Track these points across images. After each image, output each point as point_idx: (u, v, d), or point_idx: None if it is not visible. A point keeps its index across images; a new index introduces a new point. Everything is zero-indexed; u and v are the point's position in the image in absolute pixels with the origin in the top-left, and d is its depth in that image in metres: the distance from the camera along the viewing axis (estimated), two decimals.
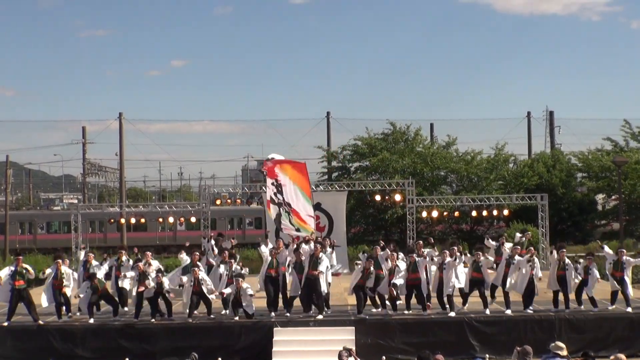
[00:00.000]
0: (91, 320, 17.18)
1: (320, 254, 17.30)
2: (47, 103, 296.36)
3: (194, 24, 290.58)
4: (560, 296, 17.66)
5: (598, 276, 17.82)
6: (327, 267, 17.82)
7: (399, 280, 17.23)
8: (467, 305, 17.71)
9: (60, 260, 17.77)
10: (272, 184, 18.32)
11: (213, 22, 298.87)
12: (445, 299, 17.29)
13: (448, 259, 17.30)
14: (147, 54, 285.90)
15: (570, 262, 17.62)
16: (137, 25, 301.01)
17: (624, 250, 17.94)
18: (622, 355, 10.57)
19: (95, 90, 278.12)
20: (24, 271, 17.29)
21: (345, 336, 16.29)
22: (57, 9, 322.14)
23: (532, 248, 18.44)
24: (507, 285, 17.44)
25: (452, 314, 17.13)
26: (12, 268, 17.35)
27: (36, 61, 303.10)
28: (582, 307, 17.52)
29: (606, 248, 18.48)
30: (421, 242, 20.48)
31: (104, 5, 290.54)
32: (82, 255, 18.25)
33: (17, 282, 17.13)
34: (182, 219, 34.12)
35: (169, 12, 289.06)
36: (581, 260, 17.95)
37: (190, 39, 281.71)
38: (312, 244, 17.89)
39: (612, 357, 10.60)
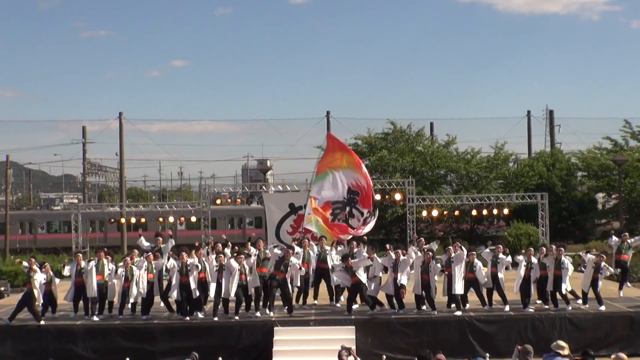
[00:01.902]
0: (95, 318, 17.34)
1: (292, 258, 17.41)
2: (48, 103, 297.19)
3: (195, 24, 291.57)
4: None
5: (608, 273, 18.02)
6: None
7: (404, 279, 17.35)
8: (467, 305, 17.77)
9: (80, 255, 18.18)
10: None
11: (213, 22, 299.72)
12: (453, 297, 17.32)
13: (454, 254, 17.38)
14: (148, 54, 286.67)
15: (567, 261, 17.57)
16: (138, 26, 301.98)
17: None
18: (623, 355, 10.53)
19: (96, 91, 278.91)
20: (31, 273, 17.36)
21: (346, 335, 16.29)
22: (57, 10, 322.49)
23: (531, 249, 18.37)
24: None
25: (458, 312, 17.12)
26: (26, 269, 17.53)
27: (37, 62, 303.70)
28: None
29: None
30: (423, 238, 20.42)
31: (105, 5, 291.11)
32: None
33: (29, 284, 17.26)
34: (182, 218, 34.08)
35: (170, 13, 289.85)
36: (589, 256, 18.04)
37: (190, 40, 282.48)
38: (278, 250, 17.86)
39: (613, 357, 10.56)
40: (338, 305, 18.65)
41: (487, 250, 18.76)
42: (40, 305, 17.38)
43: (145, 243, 19.61)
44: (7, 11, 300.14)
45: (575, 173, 41.34)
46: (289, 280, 17.76)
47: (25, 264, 17.76)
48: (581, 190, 41.29)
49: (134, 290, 17.55)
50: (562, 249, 17.71)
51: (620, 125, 40.50)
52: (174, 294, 17.29)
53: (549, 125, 51.08)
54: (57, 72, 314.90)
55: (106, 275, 17.74)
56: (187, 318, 17.12)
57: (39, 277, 17.41)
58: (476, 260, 17.50)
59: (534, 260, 17.57)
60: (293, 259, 17.53)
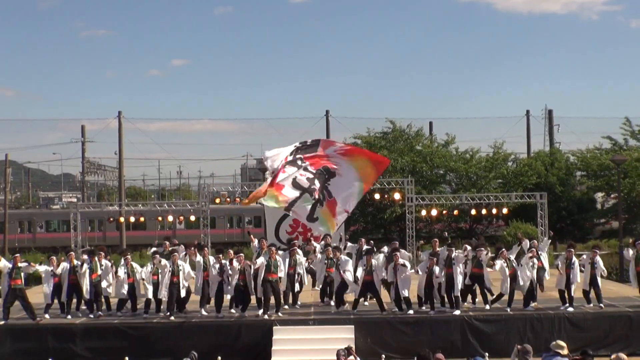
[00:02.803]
0: (91, 315, 17.58)
1: (278, 258, 17.42)
2: (47, 102, 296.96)
3: (195, 23, 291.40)
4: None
5: (603, 268, 17.90)
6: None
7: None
8: (466, 303, 17.76)
9: (72, 253, 18.29)
10: (308, 169, 17.01)
11: (213, 21, 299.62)
12: (453, 297, 17.21)
13: (455, 253, 17.31)
14: (148, 54, 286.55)
15: (576, 260, 17.64)
16: (137, 25, 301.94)
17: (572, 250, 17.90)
18: (623, 355, 10.54)
19: (96, 90, 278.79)
20: (21, 269, 17.32)
21: (345, 335, 16.28)
22: (57, 10, 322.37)
23: (534, 248, 18.36)
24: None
25: (457, 312, 17.11)
26: (10, 266, 17.38)
27: (37, 61, 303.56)
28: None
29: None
30: (437, 240, 19.96)
31: (105, 5, 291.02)
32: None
33: (13, 281, 17.18)
34: (181, 217, 34.06)
35: (170, 12, 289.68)
36: (584, 256, 18.05)
37: (190, 39, 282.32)
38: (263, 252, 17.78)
39: (613, 356, 10.57)
40: (332, 302, 18.56)
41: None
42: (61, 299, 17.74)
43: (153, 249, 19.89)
44: (7, 11, 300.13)
45: (574, 172, 41.33)
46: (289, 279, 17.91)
47: (4, 262, 17.65)
48: (580, 189, 41.27)
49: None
50: (572, 249, 17.79)
51: (619, 124, 40.52)
52: (164, 293, 17.38)
53: (548, 125, 51.09)
54: (57, 71, 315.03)
55: (99, 272, 17.87)
56: (172, 317, 17.16)
57: (42, 269, 17.73)
58: (483, 254, 17.45)
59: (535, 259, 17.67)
60: (279, 258, 17.59)
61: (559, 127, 51.16)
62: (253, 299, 17.74)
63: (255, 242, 18.11)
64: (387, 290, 17.92)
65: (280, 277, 17.62)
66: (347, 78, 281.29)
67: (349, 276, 17.72)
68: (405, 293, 17.18)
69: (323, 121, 45.34)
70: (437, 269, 17.23)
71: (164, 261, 17.49)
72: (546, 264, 18.38)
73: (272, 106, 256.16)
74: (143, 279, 17.67)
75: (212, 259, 17.71)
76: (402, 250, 18.53)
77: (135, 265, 18.04)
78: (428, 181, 37.05)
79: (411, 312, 17.14)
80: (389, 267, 17.45)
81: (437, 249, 18.40)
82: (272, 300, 17.41)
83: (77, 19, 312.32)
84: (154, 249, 19.89)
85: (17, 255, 17.98)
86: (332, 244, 19.64)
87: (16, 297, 17.20)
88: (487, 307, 17.34)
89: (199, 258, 17.71)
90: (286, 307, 18.16)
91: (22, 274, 17.39)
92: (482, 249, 17.57)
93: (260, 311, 17.25)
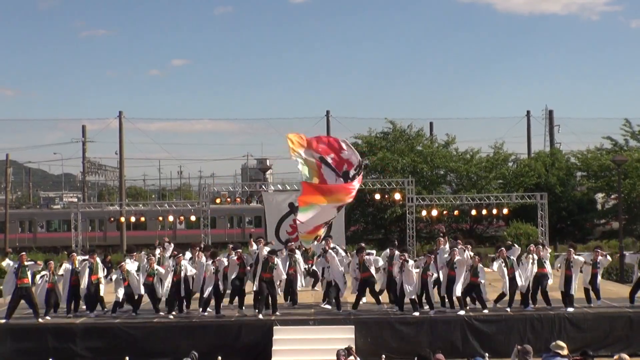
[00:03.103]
0: (92, 315, 17.63)
1: (276, 260, 17.50)
2: (48, 102, 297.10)
3: (195, 23, 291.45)
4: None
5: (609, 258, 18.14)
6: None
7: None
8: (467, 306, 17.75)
9: (75, 254, 18.27)
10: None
11: (213, 21, 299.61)
12: (454, 298, 17.22)
13: (458, 257, 17.21)
14: (148, 54, 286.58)
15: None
16: (137, 25, 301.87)
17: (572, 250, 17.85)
18: (625, 355, 10.55)
19: (96, 90, 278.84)
20: (27, 267, 17.28)
21: (345, 335, 16.29)
22: (57, 10, 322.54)
23: (531, 246, 18.35)
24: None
25: (462, 312, 17.05)
26: (16, 265, 17.35)
27: (37, 61, 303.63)
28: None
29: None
30: (441, 238, 19.33)
31: (105, 5, 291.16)
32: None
33: (19, 280, 17.15)
34: (181, 217, 34.06)
35: (170, 12, 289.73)
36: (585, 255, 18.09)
37: (190, 39, 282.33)
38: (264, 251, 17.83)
39: (615, 357, 10.58)
40: (328, 307, 18.19)
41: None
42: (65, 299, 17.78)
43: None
44: (7, 11, 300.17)
45: (574, 173, 41.37)
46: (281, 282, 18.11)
47: (8, 261, 17.63)
48: (580, 190, 41.29)
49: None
50: (572, 249, 17.77)
51: (620, 125, 40.55)
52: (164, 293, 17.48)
53: (549, 125, 51.09)
54: (57, 71, 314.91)
55: (99, 275, 17.95)
56: (171, 316, 17.25)
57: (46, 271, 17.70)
58: (480, 264, 17.43)
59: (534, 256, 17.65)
60: (277, 260, 17.64)
61: (560, 128, 51.18)
62: (250, 297, 17.79)
63: (254, 246, 18.09)
64: (387, 293, 17.94)
65: (280, 281, 17.83)
66: (347, 78, 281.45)
67: (340, 278, 17.84)
68: (410, 291, 17.14)
69: (323, 121, 45.38)
70: (431, 268, 17.24)
71: (167, 263, 17.54)
72: (550, 270, 18.27)
73: (272, 106, 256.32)
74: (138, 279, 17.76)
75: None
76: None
77: (130, 267, 17.85)
78: (428, 181, 37.08)
79: (417, 313, 17.09)
80: (395, 266, 17.44)
81: (440, 247, 18.37)
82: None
83: (77, 19, 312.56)
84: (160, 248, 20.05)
85: (23, 254, 17.83)
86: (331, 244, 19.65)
87: (22, 296, 17.19)
88: (486, 311, 17.30)
89: (202, 259, 17.70)
90: (285, 304, 18.18)
91: (29, 273, 17.36)
92: (477, 257, 17.53)
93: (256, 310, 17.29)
